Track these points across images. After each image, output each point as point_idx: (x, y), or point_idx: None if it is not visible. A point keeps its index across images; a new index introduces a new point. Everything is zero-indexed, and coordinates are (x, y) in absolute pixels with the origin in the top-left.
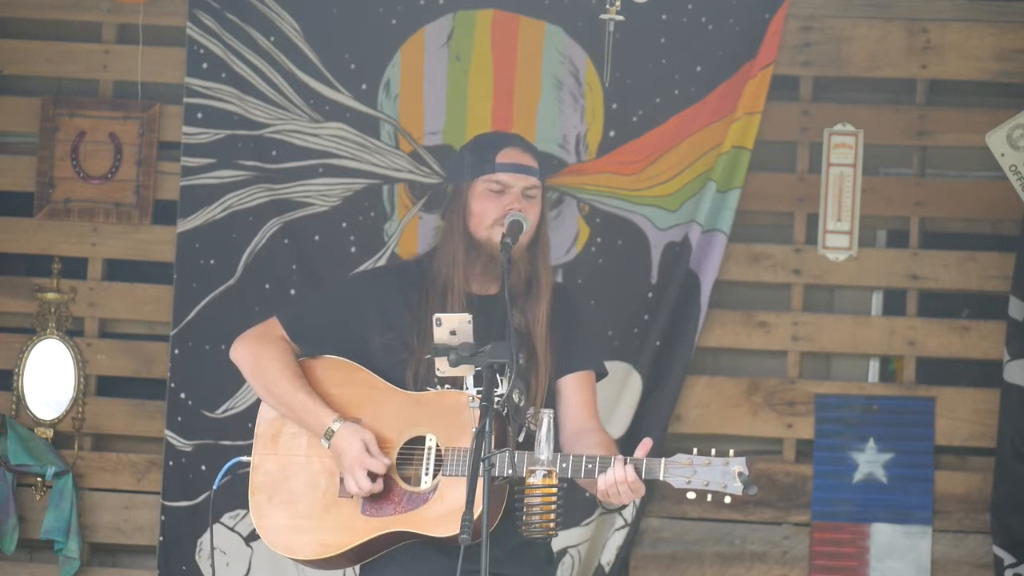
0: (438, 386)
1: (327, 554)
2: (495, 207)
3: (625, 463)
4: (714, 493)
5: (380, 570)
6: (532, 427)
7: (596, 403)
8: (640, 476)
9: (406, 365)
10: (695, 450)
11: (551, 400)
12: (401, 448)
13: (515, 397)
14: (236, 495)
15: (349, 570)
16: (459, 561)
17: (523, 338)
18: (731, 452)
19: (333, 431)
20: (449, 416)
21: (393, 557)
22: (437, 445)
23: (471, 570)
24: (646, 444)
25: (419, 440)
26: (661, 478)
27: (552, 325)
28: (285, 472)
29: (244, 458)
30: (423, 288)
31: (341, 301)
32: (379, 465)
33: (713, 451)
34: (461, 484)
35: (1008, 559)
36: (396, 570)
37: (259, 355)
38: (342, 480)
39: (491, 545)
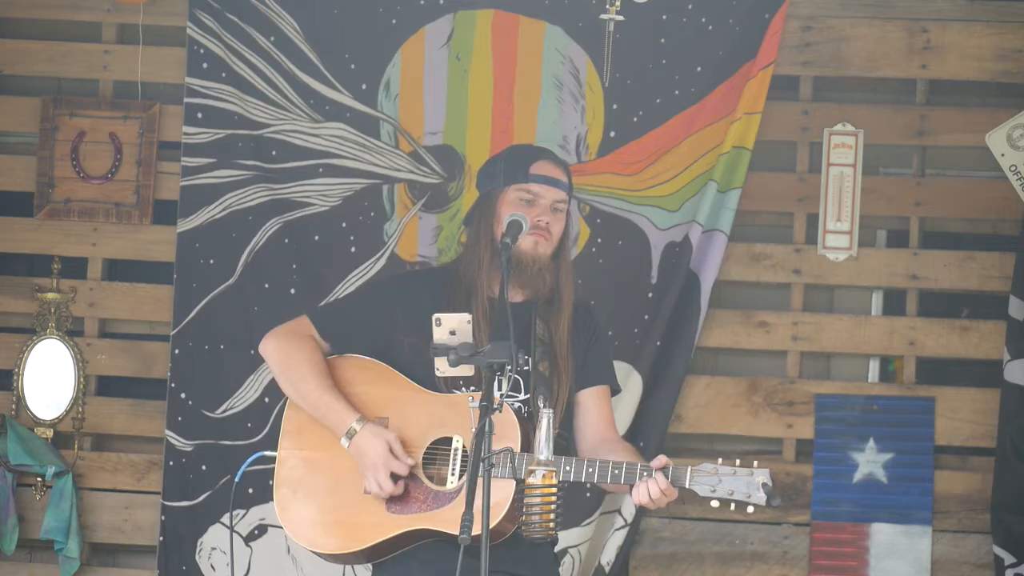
0: (463, 388)
1: (350, 548)
2: (525, 216)
3: (652, 475)
4: (738, 502)
5: (401, 567)
6: (555, 431)
7: (613, 417)
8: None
9: (434, 367)
10: (720, 460)
11: (569, 413)
12: (429, 448)
13: (540, 402)
14: (237, 495)
15: (354, 567)
16: (459, 560)
17: (546, 347)
18: (755, 463)
19: (355, 431)
20: (471, 408)
21: (414, 555)
22: (464, 446)
23: (495, 570)
24: (661, 459)
25: (445, 441)
26: (687, 486)
27: (573, 339)
28: (311, 467)
29: (268, 452)
30: (450, 292)
31: (370, 303)
32: (403, 467)
33: (738, 461)
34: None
35: (1008, 559)
36: (418, 567)
37: (288, 352)
38: None
39: (506, 545)
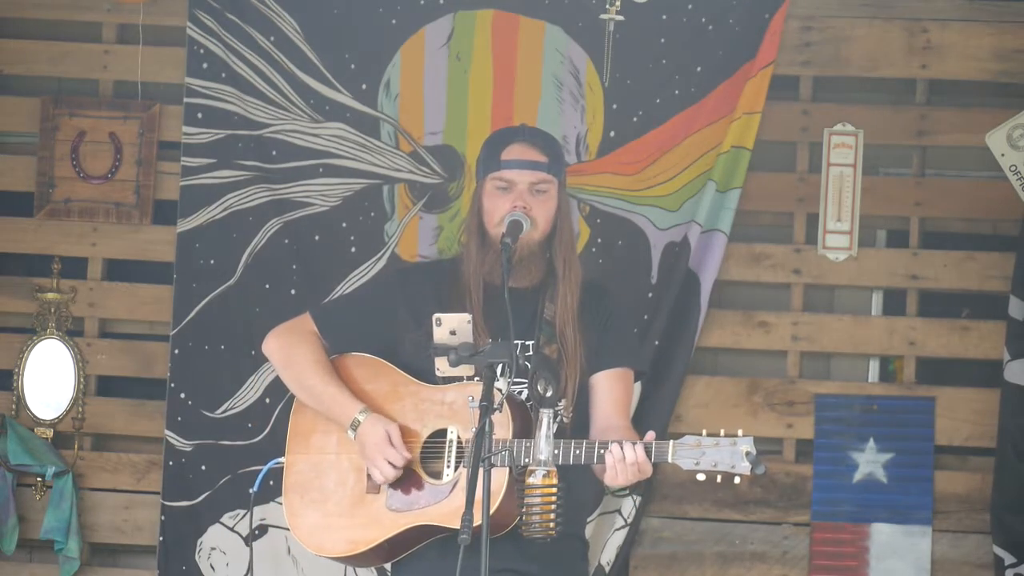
0: (464, 379)
1: (356, 550)
2: (502, 204)
3: (634, 445)
4: (723, 474)
5: (409, 568)
6: (565, 420)
7: (629, 401)
8: (650, 458)
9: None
10: (704, 431)
11: (584, 396)
12: (427, 441)
13: (540, 388)
14: (237, 495)
15: (356, 570)
16: (459, 560)
17: (552, 329)
18: (739, 432)
19: (359, 421)
20: (470, 408)
21: (422, 555)
22: (459, 437)
23: (503, 568)
24: (651, 436)
25: (443, 433)
26: (670, 460)
27: (585, 322)
28: (316, 470)
29: (281, 460)
30: (451, 285)
31: (372, 298)
32: (398, 456)
33: (722, 431)
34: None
35: (1008, 559)
36: (425, 567)
37: (290, 349)
38: (369, 476)
39: (513, 541)
